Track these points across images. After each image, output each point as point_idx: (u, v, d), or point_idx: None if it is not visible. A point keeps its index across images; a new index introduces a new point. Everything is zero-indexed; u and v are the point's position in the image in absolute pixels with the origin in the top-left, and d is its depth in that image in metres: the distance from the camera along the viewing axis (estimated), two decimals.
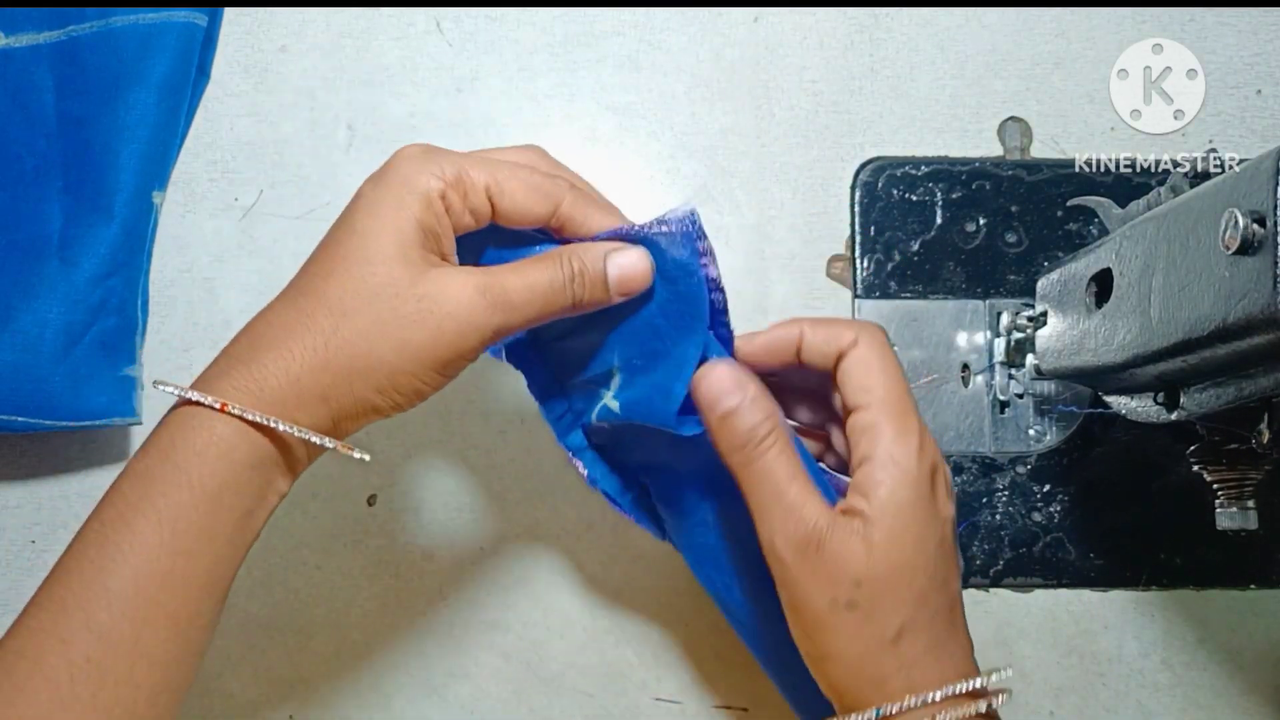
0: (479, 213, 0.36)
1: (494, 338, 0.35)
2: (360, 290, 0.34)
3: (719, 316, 0.38)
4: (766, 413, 0.36)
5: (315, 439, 0.34)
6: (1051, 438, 0.52)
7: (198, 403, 0.33)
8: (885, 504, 0.34)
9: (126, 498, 0.33)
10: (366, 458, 0.35)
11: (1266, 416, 0.36)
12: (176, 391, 0.34)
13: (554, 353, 0.42)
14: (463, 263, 0.37)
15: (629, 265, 0.36)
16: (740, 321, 0.52)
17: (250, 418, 0.33)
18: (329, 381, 0.34)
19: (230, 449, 0.33)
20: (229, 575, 0.35)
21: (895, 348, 0.51)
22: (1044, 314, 0.47)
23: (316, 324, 0.34)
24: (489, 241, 0.39)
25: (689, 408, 0.38)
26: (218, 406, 0.33)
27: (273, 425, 0.33)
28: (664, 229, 0.37)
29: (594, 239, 0.37)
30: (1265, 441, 0.36)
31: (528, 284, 0.35)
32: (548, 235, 0.38)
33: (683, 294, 0.37)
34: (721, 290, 0.38)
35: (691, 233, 0.36)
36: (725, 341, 0.39)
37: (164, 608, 0.32)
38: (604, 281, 0.36)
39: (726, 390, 0.36)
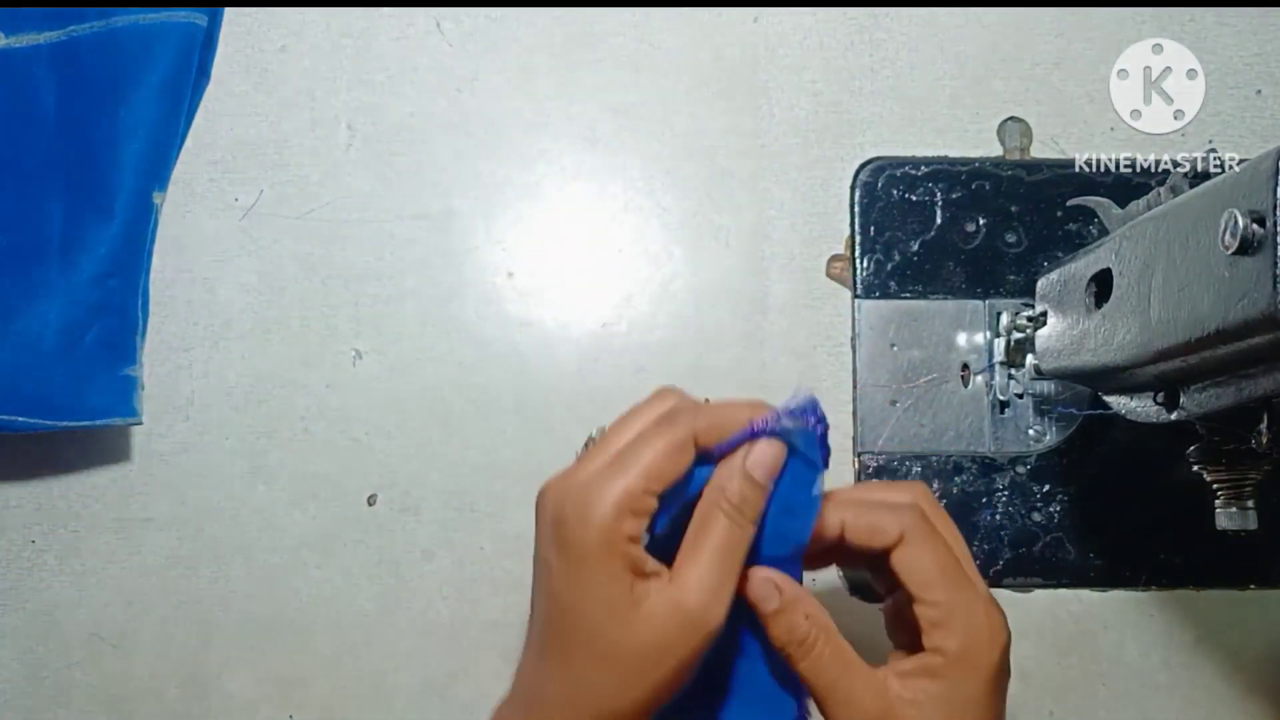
0: (652, 509, 0.37)
1: (721, 610, 0.37)
2: (599, 664, 0.36)
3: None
4: (805, 614, 0.38)
5: None
6: (1051, 438, 0.52)
7: None
8: (943, 698, 0.36)
9: None
10: None
11: (1266, 417, 0.36)
12: None
13: None
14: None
15: (765, 460, 0.37)
16: (740, 322, 0.52)
17: None
18: None
19: None
20: None
21: (895, 348, 0.52)
22: (1044, 314, 0.47)
23: (580, 712, 0.36)
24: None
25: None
26: None
27: None
28: (790, 422, 0.37)
29: (729, 442, 0.37)
30: (1265, 442, 0.36)
31: (709, 557, 0.37)
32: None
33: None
34: (827, 447, 0.39)
35: (814, 417, 0.37)
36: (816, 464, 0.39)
37: None
38: (755, 485, 0.37)
39: (765, 596, 0.38)
